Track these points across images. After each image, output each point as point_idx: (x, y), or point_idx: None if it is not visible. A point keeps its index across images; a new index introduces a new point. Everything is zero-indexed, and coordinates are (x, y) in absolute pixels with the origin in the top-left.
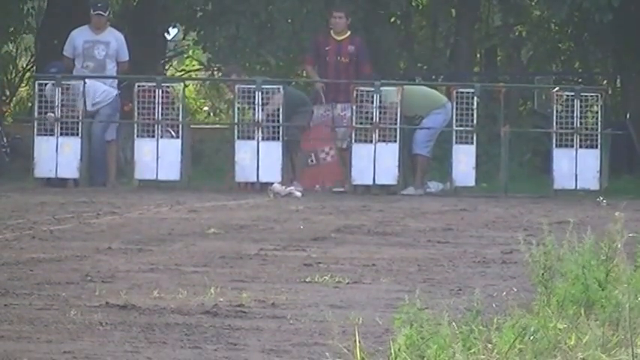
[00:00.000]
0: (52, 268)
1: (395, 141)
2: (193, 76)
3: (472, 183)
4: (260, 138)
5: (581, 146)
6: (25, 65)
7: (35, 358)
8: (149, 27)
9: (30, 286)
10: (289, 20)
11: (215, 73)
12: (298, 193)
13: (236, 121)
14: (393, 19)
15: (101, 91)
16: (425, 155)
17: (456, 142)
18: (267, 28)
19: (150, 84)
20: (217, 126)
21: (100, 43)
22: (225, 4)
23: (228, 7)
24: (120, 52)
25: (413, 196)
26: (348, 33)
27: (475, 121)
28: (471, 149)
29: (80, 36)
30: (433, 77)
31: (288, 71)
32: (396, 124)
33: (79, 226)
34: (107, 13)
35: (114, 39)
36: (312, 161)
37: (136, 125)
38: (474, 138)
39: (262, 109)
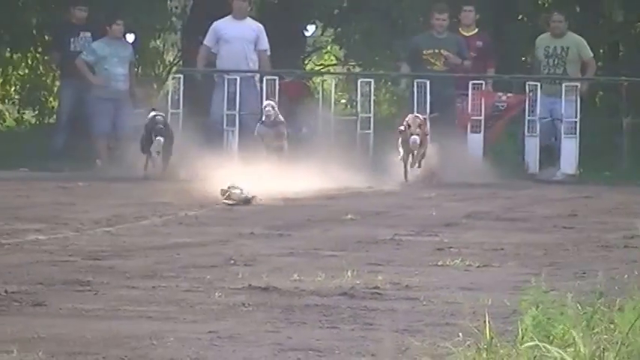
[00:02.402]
0: (196, 252)
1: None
2: (331, 70)
3: (574, 171)
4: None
5: None
6: (172, 60)
7: (181, 337)
8: (288, 24)
9: (176, 270)
10: (420, 18)
11: (350, 67)
12: None
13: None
14: (520, 17)
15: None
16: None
17: (565, 134)
18: (398, 24)
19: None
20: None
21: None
22: (359, 2)
23: (362, 5)
24: (260, 40)
25: (540, 184)
26: (476, 29)
27: (579, 113)
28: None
29: (221, 26)
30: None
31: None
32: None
33: (223, 213)
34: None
35: (255, 29)
36: None
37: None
38: (577, 129)
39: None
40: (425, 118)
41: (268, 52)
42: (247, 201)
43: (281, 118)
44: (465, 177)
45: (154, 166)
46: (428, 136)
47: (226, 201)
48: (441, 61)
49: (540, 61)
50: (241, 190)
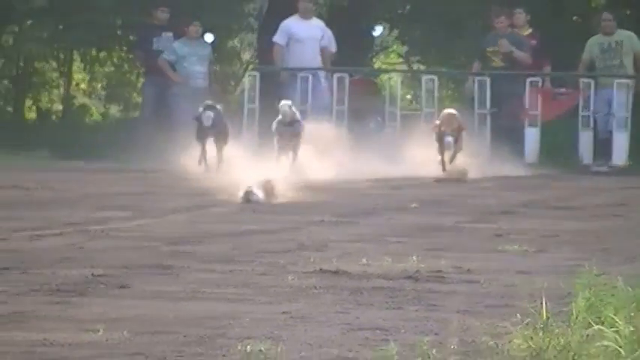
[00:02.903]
0: (270, 239)
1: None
2: (397, 68)
3: (625, 163)
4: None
5: None
6: (248, 58)
7: (256, 317)
8: (358, 25)
9: (251, 254)
10: (479, 21)
11: (412, 65)
12: None
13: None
14: (574, 18)
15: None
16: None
17: (616, 127)
18: (456, 26)
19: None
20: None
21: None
22: (422, 4)
23: (424, 7)
24: (324, 38)
25: (592, 175)
26: (530, 29)
27: (630, 109)
28: (626, 134)
29: (292, 25)
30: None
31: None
32: None
33: (294, 202)
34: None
35: (321, 28)
36: None
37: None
38: (629, 124)
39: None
40: (457, 115)
41: (333, 50)
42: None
43: (298, 116)
44: (518, 169)
45: (206, 160)
46: (463, 132)
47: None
48: (499, 57)
49: (593, 60)
50: (255, 193)
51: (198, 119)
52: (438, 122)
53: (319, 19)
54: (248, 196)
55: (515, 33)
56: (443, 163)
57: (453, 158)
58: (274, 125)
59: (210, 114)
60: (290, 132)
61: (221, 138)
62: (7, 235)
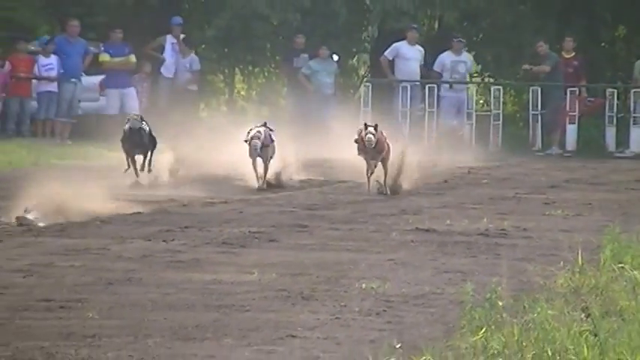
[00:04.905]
0: (380, 206)
1: None
2: (473, 80)
3: None
4: None
5: None
6: (363, 73)
7: (370, 263)
8: (447, 47)
9: (366, 217)
10: (533, 46)
11: (484, 78)
12: None
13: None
14: (602, 44)
15: None
16: None
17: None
18: (517, 49)
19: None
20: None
21: (461, 62)
22: (490, 34)
23: (492, 35)
24: (422, 59)
25: (616, 159)
26: (574, 53)
27: None
28: None
29: (400, 47)
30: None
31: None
32: None
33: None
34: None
35: (420, 50)
36: None
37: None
38: None
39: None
40: (376, 126)
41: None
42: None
43: (270, 139)
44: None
45: (135, 166)
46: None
47: None
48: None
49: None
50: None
51: (125, 130)
52: (360, 134)
53: (420, 45)
54: (20, 220)
55: (549, 53)
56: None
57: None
58: (252, 147)
59: (137, 125)
60: (264, 153)
61: (148, 148)
62: (188, 202)
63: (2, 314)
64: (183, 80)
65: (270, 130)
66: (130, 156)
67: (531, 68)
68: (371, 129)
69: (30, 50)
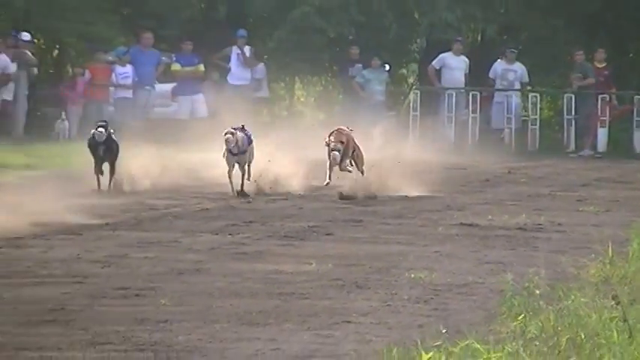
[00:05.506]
0: (427, 202)
1: None
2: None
3: None
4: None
5: None
6: (411, 81)
7: (417, 254)
8: (487, 60)
9: (414, 212)
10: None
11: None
12: None
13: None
14: (630, 55)
15: None
16: None
17: None
18: (553, 59)
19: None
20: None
21: (511, 71)
22: (528, 46)
23: (530, 47)
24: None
25: None
26: (605, 63)
27: None
28: None
29: (446, 57)
30: None
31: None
32: None
33: (448, 173)
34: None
35: (465, 60)
36: None
37: None
38: None
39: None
40: (346, 131)
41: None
42: None
43: (244, 146)
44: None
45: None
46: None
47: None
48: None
49: None
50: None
51: (92, 135)
52: (328, 137)
53: (465, 55)
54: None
55: (584, 65)
56: (329, 174)
57: (343, 170)
58: (227, 155)
59: (102, 130)
60: (238, 159)
61: (112, 153)
62: (253, 199)
63: (82, 301)
64: (251, 88)
65: (248, 133)
66: (98, 163)
67: (581, 79)
68: (335, 152)
69: (108, 60)
